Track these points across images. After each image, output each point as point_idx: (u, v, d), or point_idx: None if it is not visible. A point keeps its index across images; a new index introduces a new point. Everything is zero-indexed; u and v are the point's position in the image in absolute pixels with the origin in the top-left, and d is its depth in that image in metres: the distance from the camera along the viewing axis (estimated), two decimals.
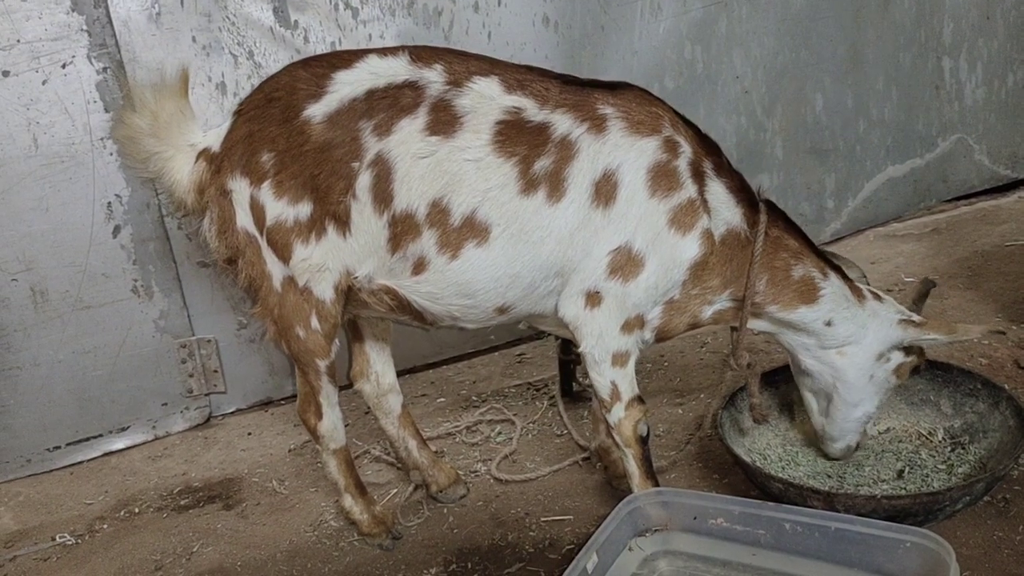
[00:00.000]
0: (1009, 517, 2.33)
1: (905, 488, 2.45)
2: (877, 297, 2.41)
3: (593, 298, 2.22)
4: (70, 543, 2.79)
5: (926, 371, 2.69)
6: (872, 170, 4.44)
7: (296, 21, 3.19)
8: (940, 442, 2.61)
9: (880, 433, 2.68)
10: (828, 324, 2.35)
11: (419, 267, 2.21)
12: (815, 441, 2.64)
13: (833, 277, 2.35)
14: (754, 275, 2.28)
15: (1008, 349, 3.14)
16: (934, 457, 2.57)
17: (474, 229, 2.16)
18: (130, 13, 2.99)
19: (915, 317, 2.39)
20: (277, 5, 3.15)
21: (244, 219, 2.27)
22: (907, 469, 2.53)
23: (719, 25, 3.88)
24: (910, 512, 2.22)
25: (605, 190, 2.16)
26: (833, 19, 4.11)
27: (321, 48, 3.21)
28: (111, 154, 3.08)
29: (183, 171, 2.31)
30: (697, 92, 3.91)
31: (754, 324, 2.40)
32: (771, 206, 2.34)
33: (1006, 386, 2.59)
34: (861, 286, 2.41)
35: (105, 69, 3.02)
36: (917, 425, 2.69)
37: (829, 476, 2.56)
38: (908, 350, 2.41)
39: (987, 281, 3.70)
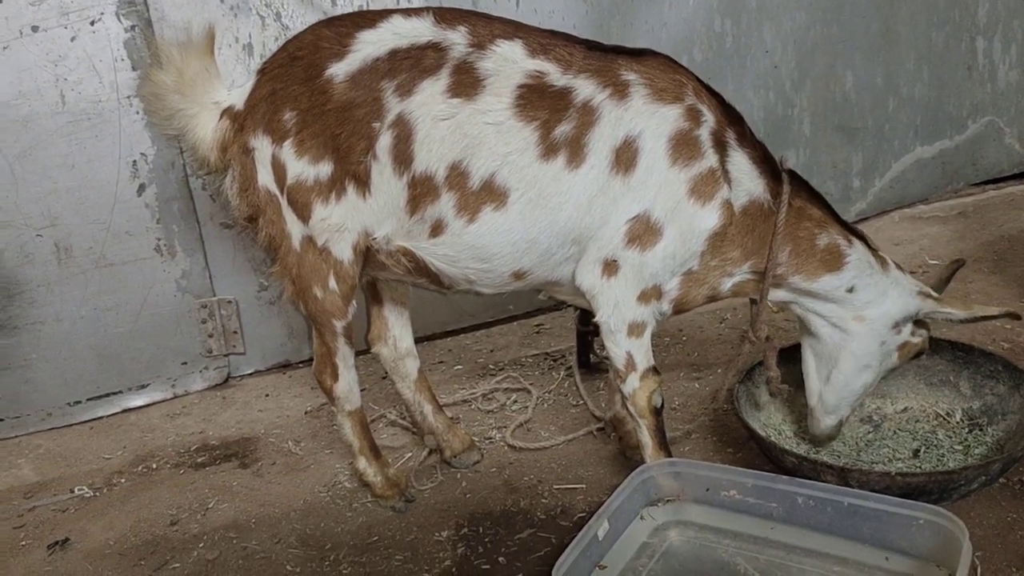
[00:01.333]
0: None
1: (920, 467, 2.44)
2: (900, 268, 2.39)
3: (610, 267, 2.21)
4: (88, 495, 2.83)
5: (947, 352, 2.68)
6: (900, 150, 4.38)
7: None
8: (958, 423, 2.60)
9: (897, 412, 2.67)
10: (850, 291, 2.33)
11: (437, 229, 2.22)
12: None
13: (858, 244, 2.33)
14: (776, 246, 2.26)
15: None
16: (951, 438, 2.55)
17: (492, 193, 2.16)
18: None
19: (933, 292, 2.36)
20: None
21: (265, 177, 2.28)
22: (923, 448, 2.52)
23: None
24: (924, 490, 2.21)
25: (625, 157, 2.15)
26: None
27: (348, 10, 3.20)
28: (137, 112, 3.09)
29: (207, 128, 2.31)
30: (726, 66, 3.86)
31: (773, 295, 2.38)
32: (794, 176, 2.32)
33: None
34: (885, 256, 2.39)
35: (133, 27, 3.02)
36: (935, 405, 2.67)
37: (843, 454, 2.55)
38: (919, 328, 2.39)
39: (1012, 266, 3.66)
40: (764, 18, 3.88)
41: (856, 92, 4.18)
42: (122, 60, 3.03)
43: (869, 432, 2.63)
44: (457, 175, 2.16)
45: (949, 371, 2.68)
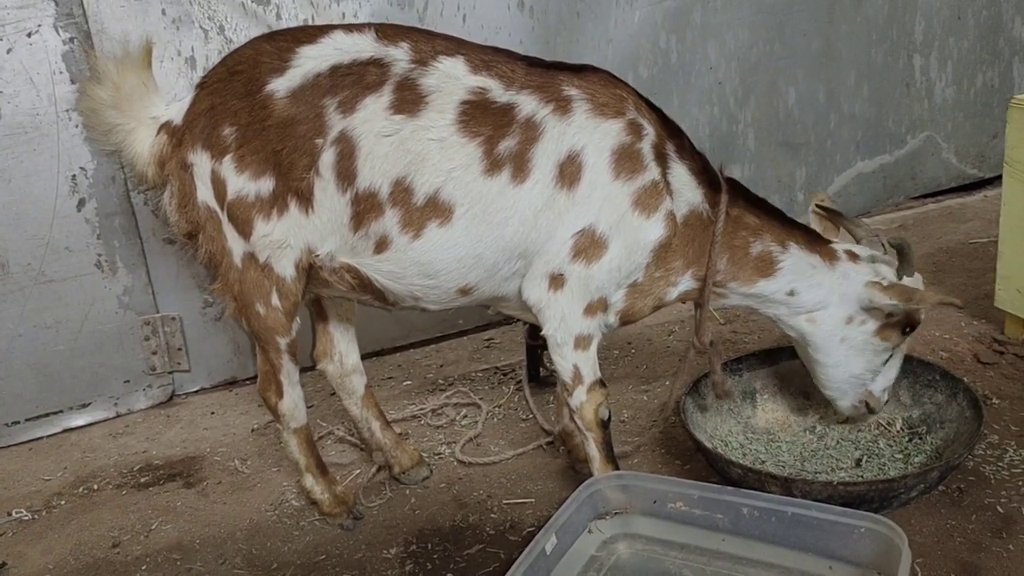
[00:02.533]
0: (963, 506, 2.37)
1: (862, 476, 2.48)
2: (853, 258, 2.39)
3: (556, 280, 2.22)
4: (27, 518, 2.75)
5: None
6: (842, 165, 4.47)
7: None
8: (898, 432, 2.65)
9: (840, 422, 2.71)
10: (791, 294, 2.38)
11: (381, 246, 2.21)
12: (778, 428, 2.69)
13: (794, 248, 2.36)
14: (715, 254, 2.31)
15: (968, 343, 3.19)
16: (892, 447, 2.60)
17: (437, 209, 2.16)
18: None
19: (884, 280, 2.35)
20: None
21: (205, 193, 2.25)
22: (865, 458, 2.56)
23: (694, 15, 3.89)
24: (865, 498, 2.25)
25: (569, 171, 2.16)
26: (807, 13, 4.14)
27: (293, 25, 3.18)
28: (76, 126, 3.02)
29: (144, 144, 2.29)
30: (671, 82, 3.92)
31: (724, 301, 2.44)
32: (733, 185, 2.36)
33: (964, 378, 2.63)
34: (838, 246, 2.41)
35: (72, 39, 2.97)
36: (876, 415, 2.72)
37: (787, 464, 2.58)
38: (888, 314, 2.37)
39: (951, 277, 3.75)
40: (708, 35, 3.94)
41: (799, 108, 4.27)
42: (60, 73, 2.97)
43: (813, 442, 2.67)
44: (401, 191, 2.15)
45: None
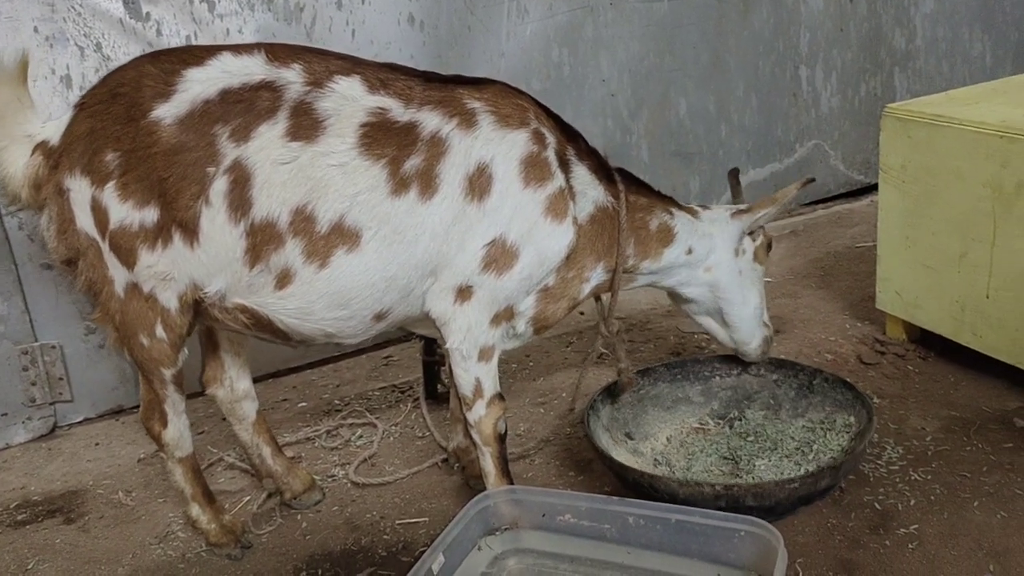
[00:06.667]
0: (842, 505, 2.43)
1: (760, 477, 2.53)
2: (705, 207, 2.63)
3: (464, 292, 2.21)
4: None
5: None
6: None
7: (148, 13, 3.07)
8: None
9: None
10: (689, 252, 2.54)
11: (284, 280, 2.14)
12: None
13: (676, 212, 2.54)
14: (624, 240, 2.40)
15: (852, 344, 3.29)
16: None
17: (343, 235, 2.11)
18: None
19: (742, 206, 2.63)
20: None
21: (84, 221, 2.16)
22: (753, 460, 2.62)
23: (585, 29, 3.94)
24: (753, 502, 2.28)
25: (479, 184, 2.17)
26: (696, 27, 4.23)
27: (175, 42, 3.10)
28: None
29: (17, 164, 2.17)
30: (564, 94, 3.95)
31: (632, 284, 2.57)
32: (621, 173, 2.46)
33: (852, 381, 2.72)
34: (693, 205, 2.62)
35: None
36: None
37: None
38: (752, 235, 2.63)
39: (837, 280, 3.87)
40: (600, 48, 3.99)
41: (690, 119, 4.36)
42: None
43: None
44: (302, 220, 2.09)
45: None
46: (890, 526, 2.33)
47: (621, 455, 2.57)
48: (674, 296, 2.70)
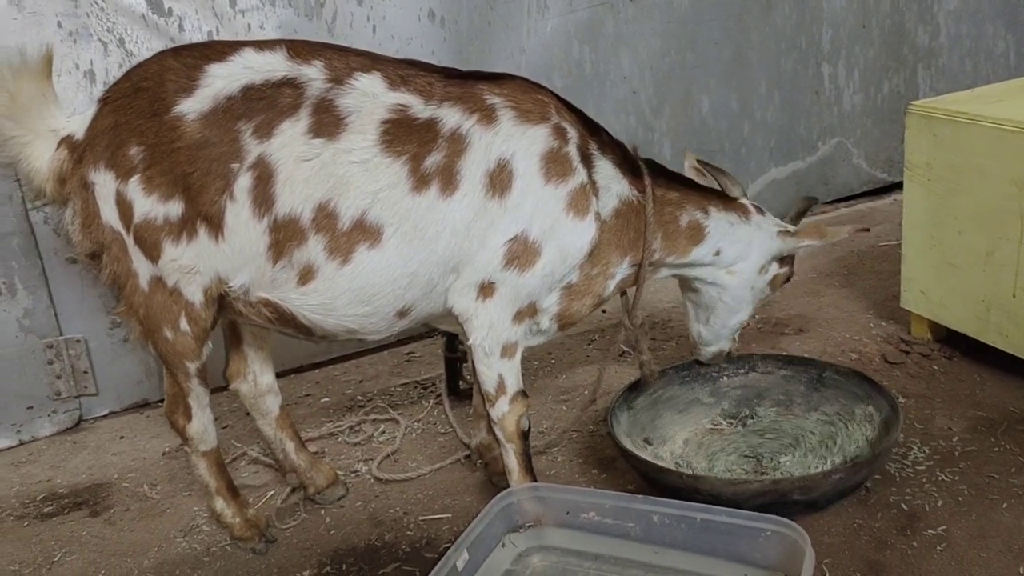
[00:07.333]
0: (869, 505, 2.42)
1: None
2: (760, 211, 2.56)
3: (487, 289, 2.21)
4: None
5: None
6: (756, 171, 4.56)
7: (170, 8, 3.09)
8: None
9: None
10: (717, 254, 2.51)
11: (306, 276, 2.15)
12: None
13: (714, 211, 2.49)
14: (651, 235, 2.37)
15: (877, 344, 3.27)
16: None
17: (365, 231, 2.11)
18: None
19: (791, 227, 2.57)
20: None
21: (109, 214, 2.17)
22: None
23: (606, 25, 3.92)
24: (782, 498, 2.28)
25: (500, 180, 2.16)
26: (717, 23, 4.21)
27: (196, 37, 3.11)
28: None
29: (42, 158, 2.18)
30: (586, 91, 3.94)
31: (655, 276, 2.54)
32: (649, 165, 2.43)
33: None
34: (746, 202, 2.55)
35: None
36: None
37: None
38: (783, 261, 2.61)
39: (861, 279, 3.85)
40: (621, 45, 3.98)
41: (712, 116, 4.33)
42: None
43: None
44: (325, 216, 2.10)
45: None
46: (917, 527, 2.32)
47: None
48: (681, 279, 2.66)
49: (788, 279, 2.67)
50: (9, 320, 3.08)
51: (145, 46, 3.05)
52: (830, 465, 2.51)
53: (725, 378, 2.86)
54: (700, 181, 2.61)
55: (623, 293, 2.57)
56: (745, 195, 2.63)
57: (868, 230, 2.65)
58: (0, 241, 3.02)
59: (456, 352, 3.13)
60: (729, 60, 4.31)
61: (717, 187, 2.60)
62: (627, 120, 4.09)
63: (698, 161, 2.65)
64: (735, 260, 2.53)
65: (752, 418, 2.78)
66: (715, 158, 4.35)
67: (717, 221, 2.49)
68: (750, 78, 4.40)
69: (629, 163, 2.39)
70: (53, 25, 2.94)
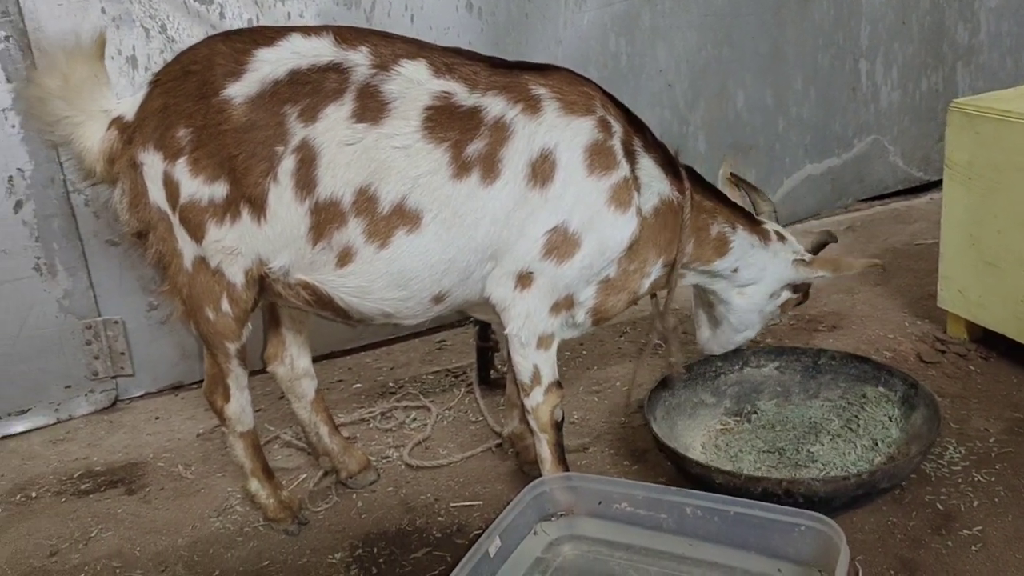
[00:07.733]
0: (903, 504, 2.40)
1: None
2: (781, 237, 2.57)
3: (525, 279, 2.22)
4: None
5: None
6: (791, 168, 4.53)
7: None
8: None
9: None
10: (735, 271, 2.51)
11: (345, 258, 2.17)
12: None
13: (740, 229, 2.49)
14: (686, 238, 2.38)
15: (912, 343, 3.24)
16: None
17: (404, 216, 2.13)
18: None
19: (807, 256, 2.57)
20: None
21: (156, 194, 2.20)
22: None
23: (642, 18, 3.91)
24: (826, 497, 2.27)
25: (542, 170, 2.16)
26: (754, 17, 4.18)
27: (237, 25, 3.14)
28: (13, 126, 2.95)
29: (94, 138, 2.22)
30: (621, 84, 3.93)
31: (682, 282, 2.53)
32: (690, 171, 2.43)
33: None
34: (768, 226, 2.56)
35: (7, 38, 2.89)
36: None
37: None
38: (796, 288, 2.62)
39: (896, 278, 3.81)
40: (657, 38, 3.97)
41: (748, 111, 4.31)
42: None
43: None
44: (365, 200, 2.12)
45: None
46: (952, 527, 2.30)
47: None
48: (698, 288, 2.66)
49: (799, 303, 2.68)
50: (49, 301, 3.13)
51: (186, 33, 3.08)
52: (861, 449, 2.55)
53: (722, 376, 2.85)
54: (731, 193, 2.62)
55: (653, 295, 2.57)
56: (775, 212, 2.67)
57: (883, 266, 2.66)
58: (42, 223, 3.06)
59: (488, 341, 3.14)
60: (765, 55, 4.28)
61: (748, 200, 2.66)
62: (662, 113, 4.08)
63: (732, 174, 2.67)
64: (748, 282, 2.54)
65: (755, 413, 2.78)
66: (750, 153, 4.36)
67: (741, 239, 2.48)
68: (786, 73, 4.37)
69: (671, 164, 2.39)
70: (97, 11, 2.97)
